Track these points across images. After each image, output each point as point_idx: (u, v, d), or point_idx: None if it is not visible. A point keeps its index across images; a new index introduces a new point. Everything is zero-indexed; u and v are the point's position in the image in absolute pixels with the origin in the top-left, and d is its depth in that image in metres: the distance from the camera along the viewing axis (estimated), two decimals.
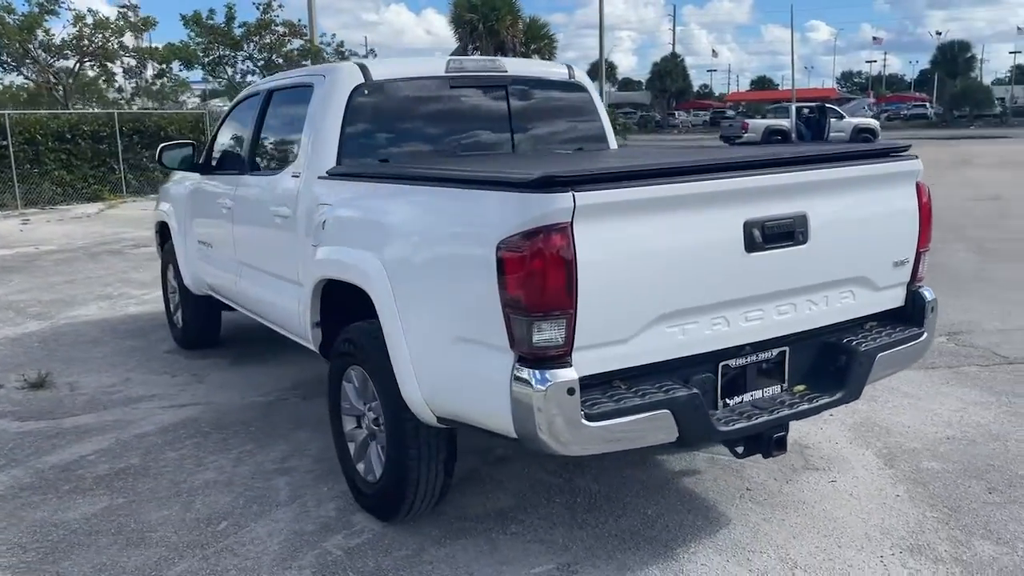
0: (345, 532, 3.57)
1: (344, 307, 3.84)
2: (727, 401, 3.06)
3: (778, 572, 3.17)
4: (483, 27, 33.90)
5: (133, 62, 24.84)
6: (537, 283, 2.56)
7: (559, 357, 2.62)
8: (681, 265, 2.79)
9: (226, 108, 5.95)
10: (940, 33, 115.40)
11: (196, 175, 5.82)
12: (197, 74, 27.40)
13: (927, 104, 75.33)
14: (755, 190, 2.90)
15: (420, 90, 4.29)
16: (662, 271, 2.75)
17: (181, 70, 26.23)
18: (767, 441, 3.07)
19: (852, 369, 3.20)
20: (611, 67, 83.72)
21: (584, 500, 3.78)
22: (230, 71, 24.94)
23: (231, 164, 5.27)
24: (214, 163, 5.61)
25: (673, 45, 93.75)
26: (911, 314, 3.49)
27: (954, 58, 77.28)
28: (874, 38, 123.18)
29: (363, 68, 4.13)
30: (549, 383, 2.57)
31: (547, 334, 2.59)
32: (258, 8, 24.02)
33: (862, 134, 32.38)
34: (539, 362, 2.62)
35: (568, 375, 2.59)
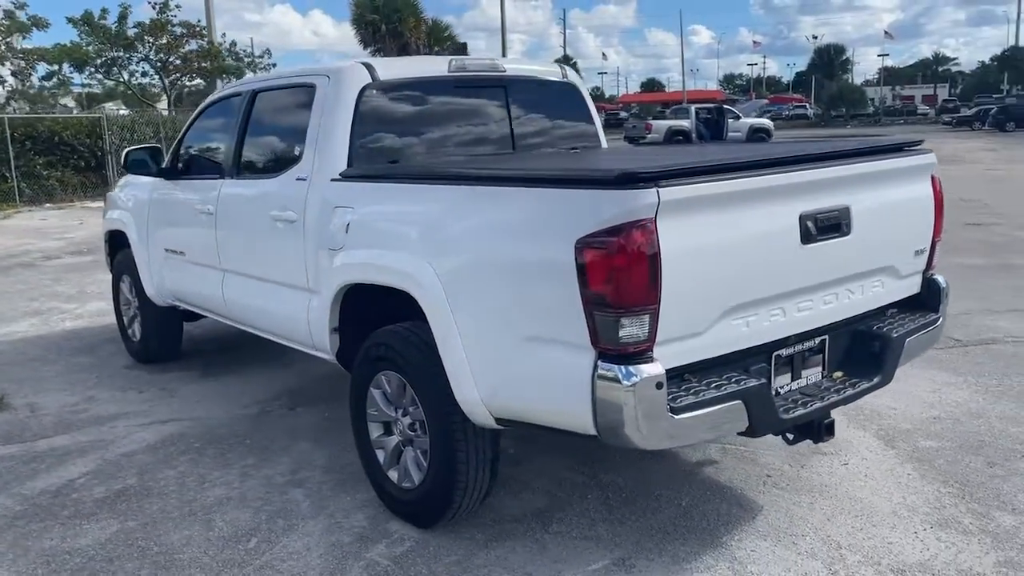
0: (385, 541, 3.49)
1: (366, 312, 3.77)
2: (779, 390, 3.15)
3: (825, 553, 3.27)
4: (386, 28, 33.57)
5: (23, 63, 23.51)
6: (623, 279, 2.57)
7: (642, 352, 2.64)
8: (748, 258, 2.85)
9: (116, 112, 5.70)
10: (816, 37, 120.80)
11: (151, 180, 5.58)
12: (79, 77, 26.19)
13: (807, 105, 78.75)
14: (810, 184, 3.00)
15: (426, 90, 4.23)
16: (733, 264, 2.81)
17: (72, 72, 24.99)
18: (818, 427, 3.17)
19: (887, 354, 3.34)
20: None
21: (616, 495, 3.82)
22: (125, 74, 23.95)
23: (209, 168, 5.07)
24: (183, 167, 5.38)
25: (564, 48, 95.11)
26: (927, 300, 3.67)
27: (830, 61, 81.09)
28: (754, 42, 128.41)
29: (369, 68, 4.05)
30: (638, 379, 2.59)
31: (632, 330, 2.61)
32: (155, 8, 23.15)
33: (757, 134, 33.62)
34: (623, 358, 2.63)
35: (656, 370, 2.62)
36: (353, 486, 4.01)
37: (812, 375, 3.27)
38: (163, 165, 5.45)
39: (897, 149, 3.56)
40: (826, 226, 3.05)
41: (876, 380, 3.31)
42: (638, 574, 3.18)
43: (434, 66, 4.30)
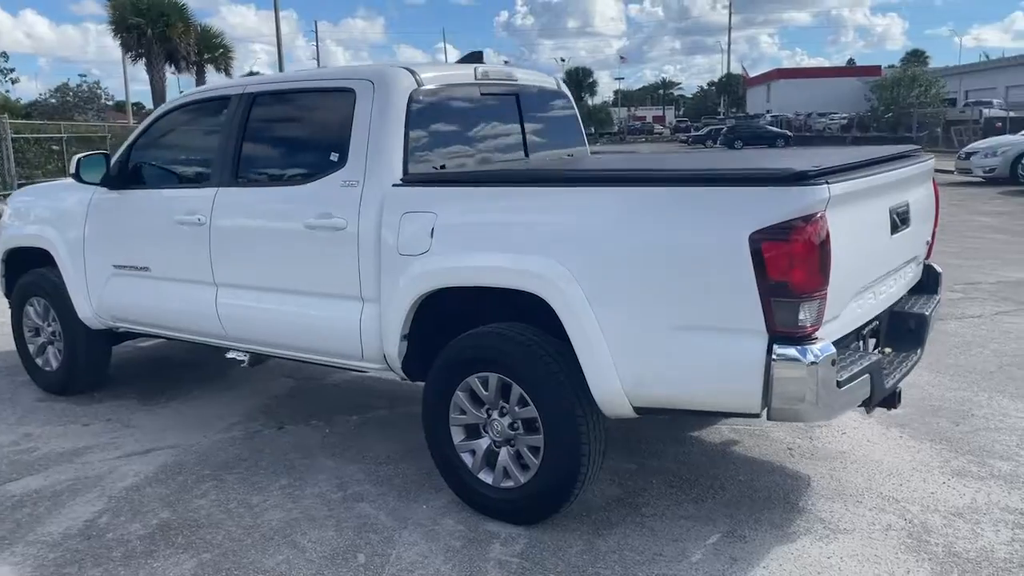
0: (497, 542, 3.52)
1: (435, 319, 3.78)
2: None
3: (890, 507, 3.73)
4: (152, 33, 31.58)
5: None
6: (802, 268, 2.85)
7: (811, 334, 2.94)
8: (866, 246, 3.24)
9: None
10: (564, 60, 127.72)
11: (85, 190, 5.12)
12: None
13: None
14: (896, 181, 3.45)
15: (460, 96, 4.28)
16: (859, 252, 3.18)
17: None
18: (892, 396, 3.62)
19: (923, 331, 3.87)
20: None
21: (677, 479, 4.07)
22: None
23: (190, 176, 4.74)
24: (137, 176, 4.98)
25: (317, 61, 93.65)
26: (927, 283, 4.27)
27: (580, 82, 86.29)
28: (505, 61, 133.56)
29: (413, 72, 4.04)
30: (820, 357, 2.88)
31: (807, 314, 2.90)
32: None
33: None
34: (796, 340, 2.91)
35: (830, 348, 2.93)
36: (417, 494, 3.97)
37: (875, 351, 3.73)
38: (109, 174, 4.99)
39: (911, 154, 4.13)
40: (902, 219, 3.52)
41: (919, 353, 3.83)
42: (751, 542, 3.46)
43: (462, 73, 4.35)
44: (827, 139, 44.41)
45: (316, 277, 4.10)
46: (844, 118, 50.19)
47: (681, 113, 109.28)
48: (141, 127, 5.01)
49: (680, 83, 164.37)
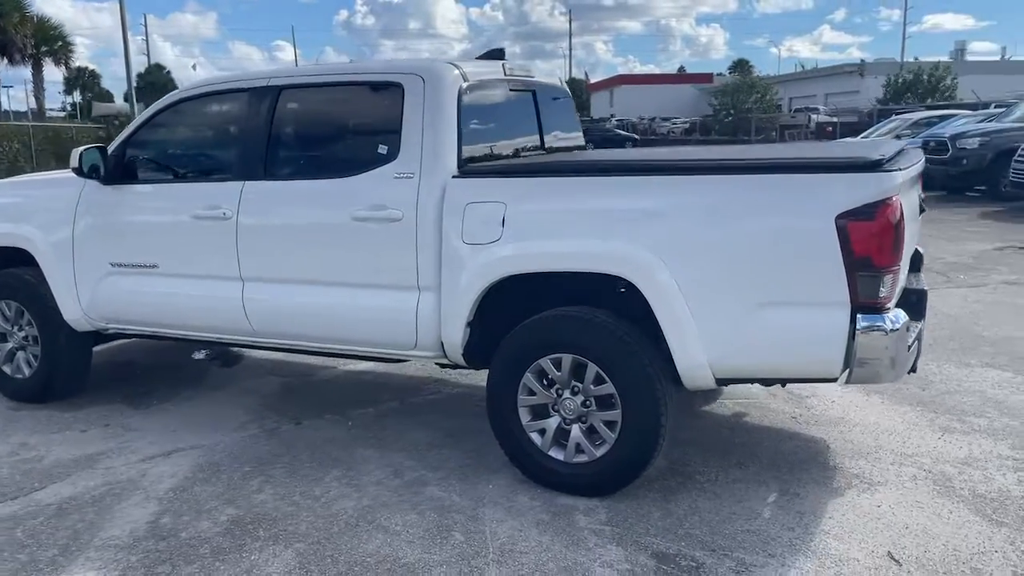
0: (579, 513, 3.70)
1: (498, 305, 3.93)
2: None
3: (909, 462, 4.18)
4: None
5: None
6: (884, 245, 3.23)
7: (886, 304, 3.32)
8: (910, 228, 3.66)
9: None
10: None
11: (74, 184, 4.92)
12: None
13: None
14: (918, 174, 3.90)
15: (493, 91, 4.43)
16: (908, 233, 3.59)
17: None
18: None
19: (924, 304, 4.36)
20: (93, 76, 77.16)
21: (709, 450, 4.37)
22: None
23: (205, 170, 4.64)
24: (140, 171, 4.82)
25: (148, 56, 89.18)
26: (915, 261, 4.77)
27: None
28: (350, 61, 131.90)
29: (458, 67, 4.16)
30: (899, 324, 3.26)
31: (887, 286, 3.28)
32: None
33: None
34: (876, 310, 3.28)
35: (904, 316, 3.31)
36: (476, 475, 4.09)
37: None
38: (108, 168, 4.79)
39: None
40: (920, 205, 3.98)
41: (923, 323, 4.32)
42: (806, 499, 3.81)
43: (494, 69, 4.49)
44: (672, 141, 46.57)
45: (365, 268, 4.14)
46: (686, 122, 52.75)
47: None
48: (139, 121, 4.83)
49: None
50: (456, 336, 3.98)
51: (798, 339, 3.38)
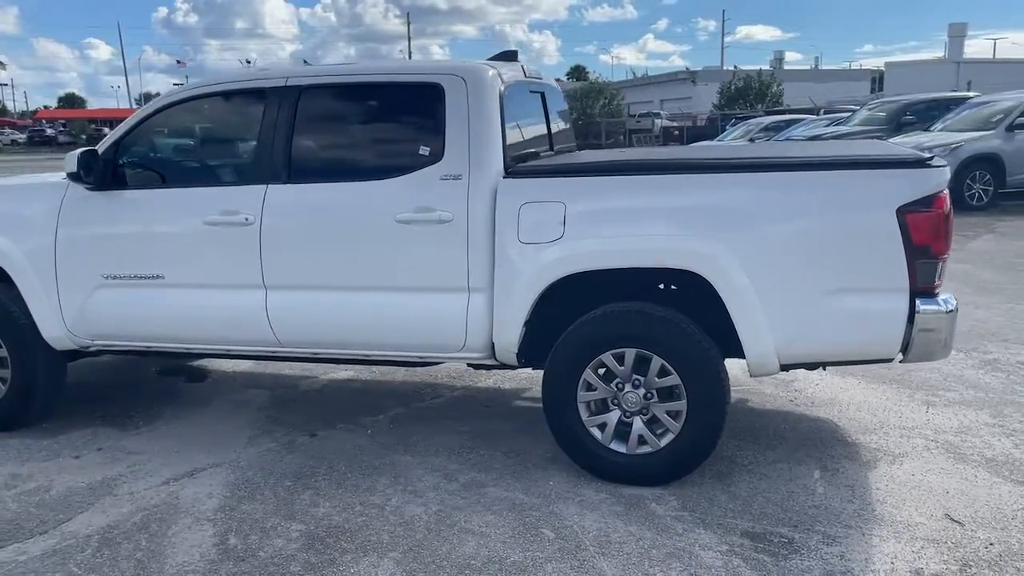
0: (651, 502, 3.81)
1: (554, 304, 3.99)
2: None
3: (914, 435, 4.55)
4: None
5: None
6: (939, 233, 3.53)
7: (939, 288, 3.63)
8: None
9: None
10: (250, 61, 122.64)
11: (51, 192, 4.59)
12: None
13: None
14: None
15: (520, 92, 4.48)
16: None
17: None
18: None
19: None
20: None
21: (737, 434, 4.59)
22: None
23: (216, 173, 4.42)
24: (134, 175, 4.54)
25: None
26: None
27: None
28: (178, 61, 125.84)
29: (494, 68, 4.19)
30: (952, 306, 3.58)
31: (940, 272, 3.59)
32: None
33: None
34: (931, 295, 3.59)
35: (954, 299, 3.63)
36: (530, 473, 4.13)
37: None
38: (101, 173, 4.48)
39: None
40: None
41: None
42: (848, 473, 4.09)
43: (518, 71, 4.53)
44: None
45: (410, 271, 4.09)
46: None
47: None
48: (131, 123, 4.52)
49: None
50: (512, 336, 3.99)
51: (862, 323, 3.64)
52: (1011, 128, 14.38)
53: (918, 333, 3.58)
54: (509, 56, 4.73)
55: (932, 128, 15.96)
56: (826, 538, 3.46)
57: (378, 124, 4.40)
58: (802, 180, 3.69)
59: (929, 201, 3.51)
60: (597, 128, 44.05)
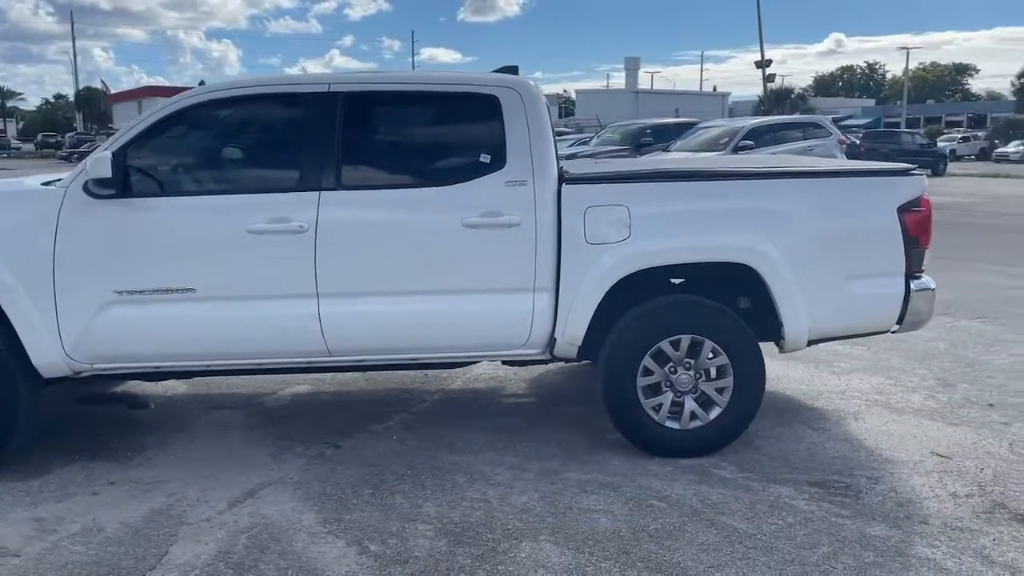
0: (715, 469, 4.32)
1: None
2: None
3: (854, 397, 5.50)
4: None
5: None
6: (925, 229, 4.44)
7: (923, 273, 4.53)
8: None
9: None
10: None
11: (47, 200, 4.19)
12: None
13: None
14: None
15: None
16: None
17: None
18: None
19: None
20: None
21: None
22: None
23: (257, 179, 4.26)
24: (161, 181, 4.25)
25: None
26: None
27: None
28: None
29: (534, 82, 4.51)
30: (934, 285, 4.50)
31: (925, 259, 4.49)
32: None
33: None
34: (919, 277, 4.48)
35: (932, 280, 4.55)
36: (585, 458, 4.46)
37: None
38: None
39: None
40: None
41: None
42: (836, 431, 4.88)
43: None
44: None
45: (476, 273, 4.26)
46: None
47: (21, 126, 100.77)
48: (144, 125, 4.18)
49: (22, 93, 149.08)
50: (580, 330, 4.32)
51: (873, 302, 4.45)
52: (736, 149, 16.74)
53: (913, 307, 4.45)
54: (511, 71, 5.01)
55: (671, 148, 18.07)
56: (869, 480, 4.19)
57: (433, 132, 4.50)
58: (829, 185, 4.45)
59: (919, 202, 4.40)
60: None
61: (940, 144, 43.36)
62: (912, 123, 61.71)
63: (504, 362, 4.70)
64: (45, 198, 4.16)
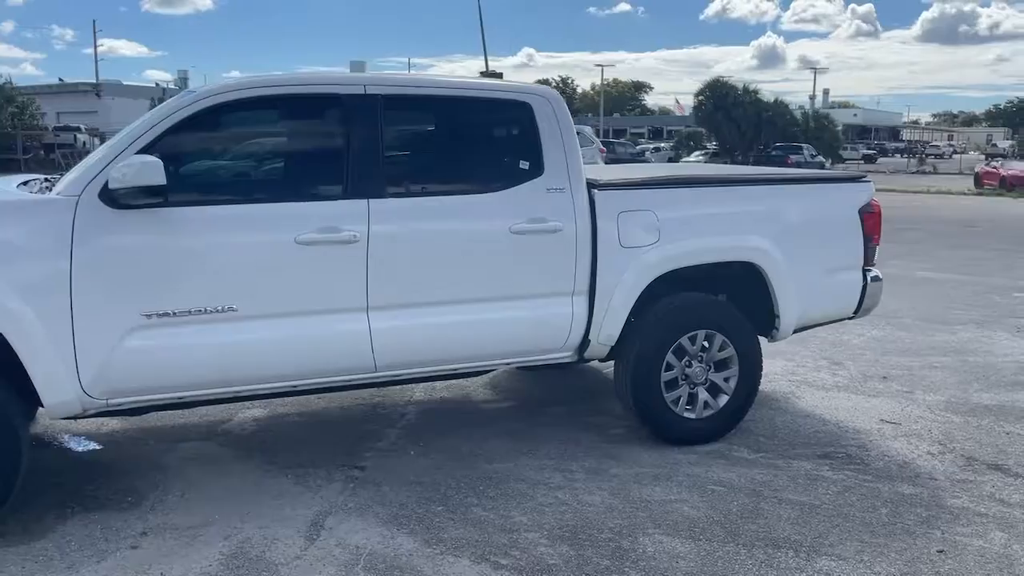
0: (733, 453, 4.70)
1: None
2: None
3: (776, 379, 6.16)
4: None
5: None
6: (877, 227, 5.14)
7: (873, 266, 5.23)
8: None
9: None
10: None
11: (43, 207, 3.65)
12: None
13: None
14: None
15: None
16: None
17: None
18: None
19: None
20: None
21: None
22: None
23: (295, 186, 3.95)
24: (190, 188, 3.80)
25: None
26: None
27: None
28: None
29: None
30: (881, 276, 5.22)
31: (876, 254, 5.20)
32: None
33: None
34: (870, 270, 5.18)
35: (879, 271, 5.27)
36: (617, 454, 4.65)
37: None
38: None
39: None
40: None
41: None
42: (789, 409, 5.49)
43: None
44: None
45: (523, 280, 4.30)
46: None
47: None
48: (158, 129, 3.69)
49: None
50: (616, 331, 4.51)
51: (841, 292, 5.06)
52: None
53: (868, 296, 5.13)
54: (496, 77, 5.05)
55: None
56: (859, 449, 4.79)
57: (472, 138, 4.42)
58: (812, 190, 5.01)
59: (872, 205, 5.09)
60: (10, 141, 38.73)
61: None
62: (602, 134, 67.51)
63: (523, 368, 4.73)
64: (52, 208, 3.56)
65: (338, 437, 4.88)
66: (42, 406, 3.64)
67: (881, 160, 65.13)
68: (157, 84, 63.16)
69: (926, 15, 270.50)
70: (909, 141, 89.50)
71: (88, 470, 4.40)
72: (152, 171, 3.46)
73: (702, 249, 4.65)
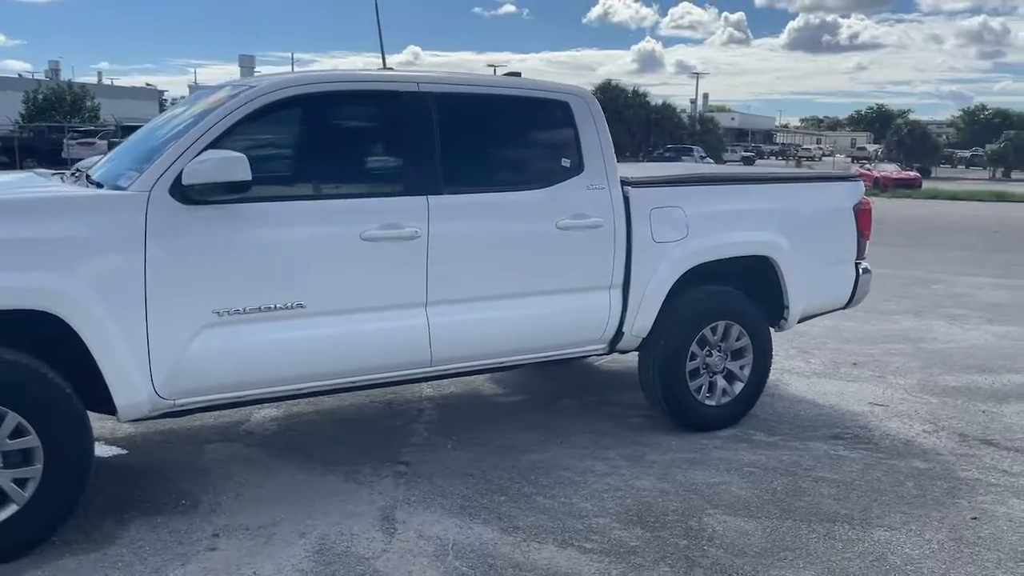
0: (753, 437, 4.95)
1: None
2: None
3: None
4: None
5: None
6: (868, 223, 5.50)
7: (864, 259, 5.60)
8: None
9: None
10: None
11: (112, 201, 3.56)
12: None
13: None
14: None
15: None
16: None
17: None
18: None
19: None
20: None
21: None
22: None
23: (356, 181, 3.97)
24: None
25: None
26: None
27: None
28: None
29: None
30: (871, 269, 5.60)
31: (867, 248, 5.57)
32: None
33: None
34: (862, 263, 5.55)
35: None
36: (644, 441, 4.84)
37: None
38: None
39: None
40: None
41: None
42: (780, 395, 5.81)
43: None
44: None
45: (566, 274, 4.42)
46: None
47: None
48: (225, 123, 3.62)
49: None
50: (649, 323, 4.69)
51: (838, 284, 5.40)
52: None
53: (859, 287, 5.50)
54: (515, 76, 5.15)
55: None
56: (863, 429, 5.13)
57: (519, 136, 4.48)
58: (816, 188, 5.32)
59: (864, 202, 5.46)
60: None
61: None
62: None
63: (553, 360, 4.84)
64: (125, 203, 3.45)
65: (366, 434, 4.88)
66: (106, 411, 3.53)
67: (759, 162, 68.05)
68: (20, 75, 59.54)
69: (792, 24, 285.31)
70: (783, 144, 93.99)
71: (125, 475, 4.25)
72: (236, 166, 3.41)
73: (725, 244, 4.88)
